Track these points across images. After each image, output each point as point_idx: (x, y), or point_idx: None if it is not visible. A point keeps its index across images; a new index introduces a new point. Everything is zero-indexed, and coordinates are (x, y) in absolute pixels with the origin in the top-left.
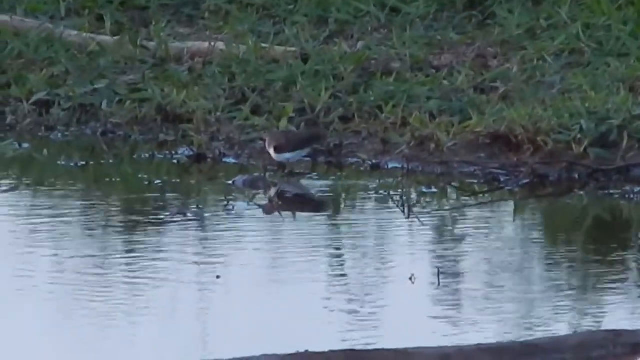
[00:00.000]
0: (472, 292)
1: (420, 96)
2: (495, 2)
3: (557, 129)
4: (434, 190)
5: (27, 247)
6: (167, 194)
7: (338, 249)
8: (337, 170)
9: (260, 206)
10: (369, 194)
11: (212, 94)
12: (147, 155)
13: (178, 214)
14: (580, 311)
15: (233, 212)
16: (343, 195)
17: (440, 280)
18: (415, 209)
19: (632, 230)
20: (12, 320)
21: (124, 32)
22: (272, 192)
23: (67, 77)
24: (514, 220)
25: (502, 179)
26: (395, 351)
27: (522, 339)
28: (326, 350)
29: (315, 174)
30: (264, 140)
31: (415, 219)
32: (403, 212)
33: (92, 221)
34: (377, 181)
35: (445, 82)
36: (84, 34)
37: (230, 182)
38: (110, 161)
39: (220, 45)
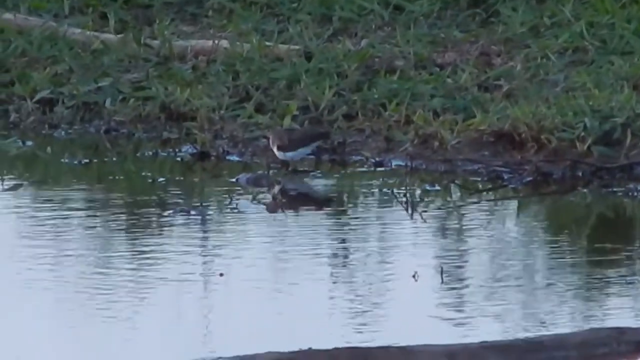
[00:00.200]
0: (476, 289)
1: (424, 94)
2: (499, 0)
3: (561, 127)
4: (437, 188)
5: (30, 245)
6: (171, 192)
7: (341, 246)
8: (341, 168)
9: (263, 204)
10: (373, 192)
11: (215, 92)
12: (150, 153)
13: (181, 211)
14: (584, 309)
15: (236, 209)
16: (346, 193)
17: (444, 278)
18: (418, 207)
19: (636, 227)
20: (16, 317)
21: (128, 30)
22: (276, 189)
23: (70, 75)
24: (518, 218)
25: (505, 177)
26: (400, 349)
27: (526, 337)
28: (330, 347)
29: (318, 171)
30: (268, 138)
31: (419, 217)
32: (406, 210)
33: (96, 219)
34: (381, 179)
35: (449, 80)
36: (88, 32)
37: (233, 179)
38: (114, 159)
39: (224, 43)
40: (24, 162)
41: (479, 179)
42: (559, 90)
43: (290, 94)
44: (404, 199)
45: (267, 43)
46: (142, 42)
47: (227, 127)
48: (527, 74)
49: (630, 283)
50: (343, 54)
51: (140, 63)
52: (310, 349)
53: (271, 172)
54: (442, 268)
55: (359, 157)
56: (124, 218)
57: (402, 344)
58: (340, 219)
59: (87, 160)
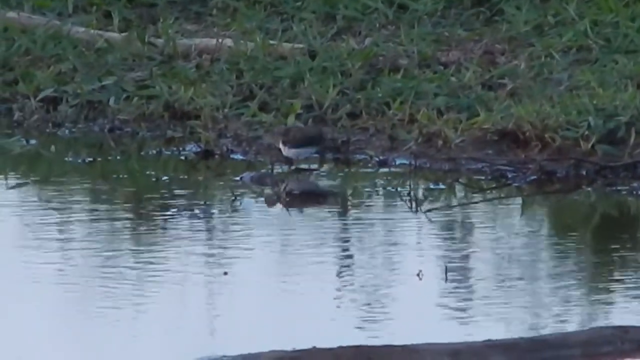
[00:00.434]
0: (480, 288)
1: (427, 93)
2: None
3: (565, 126)
4: (441, 186)
5: (34, 243)
6: (175, 191)
7: (345, 245)
8: (345, 167)
9: (267, 202)
10: (377, 191)
11: (219, 91)
12: (154, 151)
13: (185, 210)
14: (588, 307)
15: (240, 208)
16: (350, 192)
17: (448, 277)
18: (422, 206)
19: None
20: (18, 316)
21: (132, 28)
22: (280, 188)
23: (74, 73)
24: (522, 217)
25: (509, 176)
26: (404, 347)
27: (530, 335)
28: (334, 346)
29: (322, 170)
30: (270, 136)
31: (423, 216)
32: (410, 208)
33: (99, 218)
34: (385, 178)
35: (452, 78)
36: (92, 31)
37: (237, 178)
38: (118, 158)
39: (228, 42)
40: (27, 160)
41: (483, 177)
42: (563, 89)
43: (294, 92)
44: (408, 198)
45: (271, 42)
46: (146, 40)
47: (231, 125)
48: (531, 73)
49: (634, 282)
50: (347, 53)
51: (144, 62)
52: (314, 347)
53: (275, 170)
54: (446, 267)
55: (363, 156)
56: (127, 217)
57: (406, 342)
58: (344, 217)
59: (91, 159)
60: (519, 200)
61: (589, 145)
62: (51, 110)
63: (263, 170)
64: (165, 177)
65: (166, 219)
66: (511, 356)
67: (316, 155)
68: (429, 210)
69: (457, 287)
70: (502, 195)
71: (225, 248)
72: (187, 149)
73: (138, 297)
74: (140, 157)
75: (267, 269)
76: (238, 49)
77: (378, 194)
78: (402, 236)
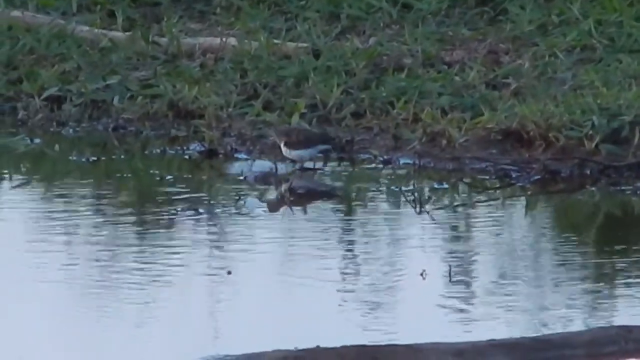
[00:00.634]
0: (483, 287)
1: (432, 92)
2: None
3: (569, 125)
4: (445, 186)
5: (37, 242)
6: (179, 190)
7: (349, 244)
8: (349, 166)
9: (271, 201)
10: (381, 190)
11: (223, 90)
12: (158, 150)
13: (189, 209)
14: (592, 307)
15: (244, 207)
16: (354, 191)
17: (452, 276)
18: (426, 205)
19: None
20: (21, 316)
21: (136, 28)
22: (284, 187)
23: (78, 72)
24: (526, 217)
25: (513, 175)
26: (407, 347)
27: (534, 335)
28: (338, 346)
29: (326, 169)
30: (274, 136)
31: (427, 215)
32: (414, 208)
33: (103, 217)
34: (389, 177)
35: (457, 78)
36: (96, 30)
37: (241, 177)
38: (122, 157)
39: (232, 41)
40: (32, 159)
41: (487, 177)
42: (567, 89)
43: (298, 91)
44: (412, 197)
45: (275, 41)
46: (150, 39)
47: (235, 124)
48: (535, 72)
49: (637, 282)
50: (351, 52)
51: (148, 61)
52: (317, 347)
53: (279, 169)
54: (449, 266)
55: (367, 155)
56: (131, 215)
57: (410, 342)
58: (348, 217)
59: (95, 158)
60: (523, 199)
61: (593, 145)
62: (55, 109)
63: (267, 170)
64: (169, 176)
65: (170, 218)
66: (515, 356)
67: (320, 154)
68: (433, 210)
69: (461, 287)
70: (506, 194)
71: (228, 247)
72: (191, 148)
73: (141, 296)
74: (144, 156)
75: (270, 268)
76: (242, 48)
77: (382, 193)
78: (406, 235)
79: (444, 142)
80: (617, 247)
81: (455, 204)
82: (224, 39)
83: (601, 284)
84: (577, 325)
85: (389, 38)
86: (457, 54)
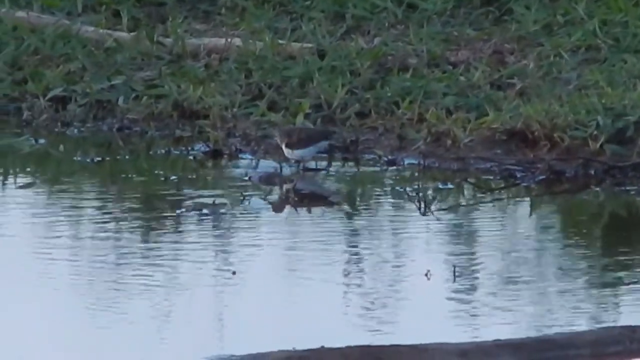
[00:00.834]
0: (488, 288)
1: (436, 92)
2: None
3: (574, 125)
4: (450, 186)
5: (41, 243)
6: (183, 190)
7: (354, 245)
8: (354, 166)
9: (275, 202)
10: (385, 190)
11: (228, 90)
12: (163, 151)
13: (194, 209)
14: (596, 307)
15: (249, 207)
16: (359, 192)
17: (456, 277)
18: (431, 205)
19: None
20: (23, 316)
21: (141, 28)
22: (288, 188)
23: (83, 73)
24: (530, 217)
25: (518, 175)
26: (412, 347)
27: (539, 335)
28: (342, 346)
29: (331, 169)
30: (276, 136)
31: (431, 215)
32: (419, 208)
33: (108, 217)
34: (393, 177)
35: (461, 78)
36: (101, 30)
37: (246, 177)
38: (127, 157)
39: (237, 41)
40: (36, 160)
41: (492, 177)
42: (572, 89)
43: (303, 92)
44: (417, 197)
45: (280, 41)
46: (154, 40)
47: (240, 125)
48: (540, 72)
49: None
50: (356, 52)
51: (153, 61)
52: (322, 347)
53: (283, 170)
54: (454, 267)
55: (371, 155)
56: (136, 216)
57: (415, 342)
58: (352, 217)
59: (99, 158)
60: (527, 200)
61: (598, 145)
62: (60, 110)
63: (271, 170)
64: (173, 177)
65: (174, 218)
66: (520, 356)
67: (324, 154)
68: (438, 210)
69: (465, 287)
70: (511, 195)
71: (233, 247)
72: (196, 148)
73: (146, 296)
74: (149, 157)
75: (275, 268)
76: (247, 48)
77: (386, 194)
78: (411, 236)
79: (449, 142)
80: (622, 248)
81: (460, 204)
82: (228, 40)
83: (606, 283)
84: (581, 325)
85: (394, 38)
86: (462, 54)
